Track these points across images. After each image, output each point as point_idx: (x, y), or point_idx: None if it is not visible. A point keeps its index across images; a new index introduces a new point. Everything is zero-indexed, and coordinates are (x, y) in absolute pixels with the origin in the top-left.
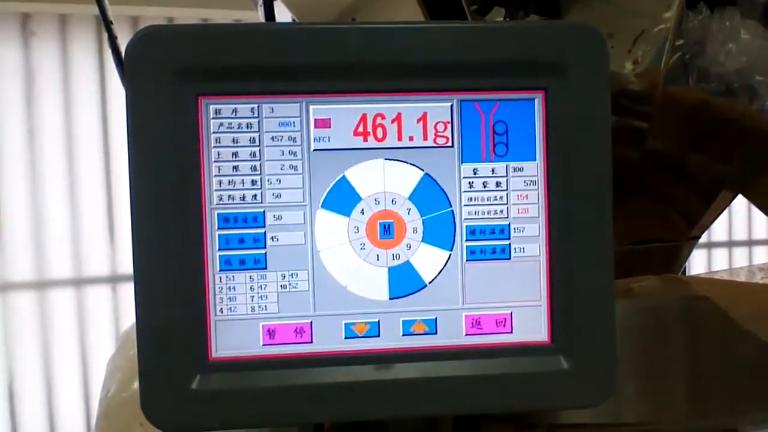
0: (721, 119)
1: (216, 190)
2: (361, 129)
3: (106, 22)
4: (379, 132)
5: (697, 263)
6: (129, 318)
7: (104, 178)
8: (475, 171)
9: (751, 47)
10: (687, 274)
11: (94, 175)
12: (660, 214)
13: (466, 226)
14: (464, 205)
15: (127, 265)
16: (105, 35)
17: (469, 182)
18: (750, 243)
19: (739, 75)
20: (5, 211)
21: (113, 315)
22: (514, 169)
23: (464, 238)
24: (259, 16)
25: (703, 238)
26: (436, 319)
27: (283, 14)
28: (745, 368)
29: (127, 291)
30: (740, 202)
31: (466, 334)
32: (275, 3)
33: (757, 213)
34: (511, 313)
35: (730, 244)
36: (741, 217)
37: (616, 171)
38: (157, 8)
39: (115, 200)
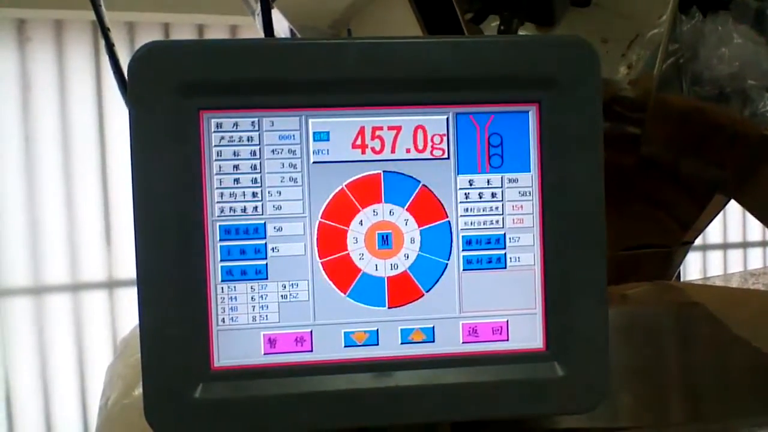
0: (713, 125)
1: (218, 202)
2: (359, 142)
3: (103, 29)
4: (377, 144)
5: (692, 266)
6: (126, 323)
7: (101, 183)
8: (470, 182)
9: (744, 52)
10: (682, 277)
11: (91, 181)
12: (653, 219)
13: (463, 236)
14: (460, 216)
15: (124, 270)
16: (102, 41)
17: (465, 193)
18: (744, 245)
19: (732, 79)
20: (2, 216)
21: (110, 320)
22: (509, 180)
23: (461, 248)
24: (256, 24)
25: (698, 241)
26: (433, 327)
27: (279, 22)
28: (738, 373)
29: (124, 296)
30: (735, 203)
31: (463, 342)
32: (272, 11)
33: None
34: (507, 321)
35: (725, 246)
36: (735, 219)
37: (610, 177)
38: (154, 14)
39: (111, 205)
